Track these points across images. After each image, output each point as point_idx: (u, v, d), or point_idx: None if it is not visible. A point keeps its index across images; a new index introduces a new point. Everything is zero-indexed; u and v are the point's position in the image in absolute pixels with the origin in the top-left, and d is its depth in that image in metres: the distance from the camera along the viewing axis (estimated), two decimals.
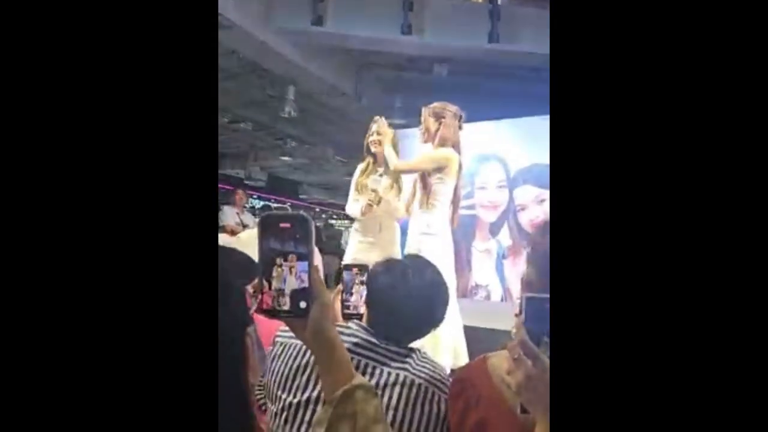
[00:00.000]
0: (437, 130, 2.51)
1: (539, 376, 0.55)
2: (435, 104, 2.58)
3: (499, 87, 4.85)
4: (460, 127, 2.57)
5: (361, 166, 2.91)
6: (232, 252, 0.86)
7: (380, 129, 2.74)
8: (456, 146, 2.53)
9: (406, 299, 1.00)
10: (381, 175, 2.75)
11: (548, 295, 0.58)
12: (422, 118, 2.60)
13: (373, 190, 2.72)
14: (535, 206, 4.51)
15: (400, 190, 2.75)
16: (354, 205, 2.85)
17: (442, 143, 2.50)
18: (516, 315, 0.62)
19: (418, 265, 1.06)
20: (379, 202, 2.70)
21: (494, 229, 4.76)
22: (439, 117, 2.53)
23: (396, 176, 2.74)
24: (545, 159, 4.45)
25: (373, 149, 2.76)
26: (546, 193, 4.47)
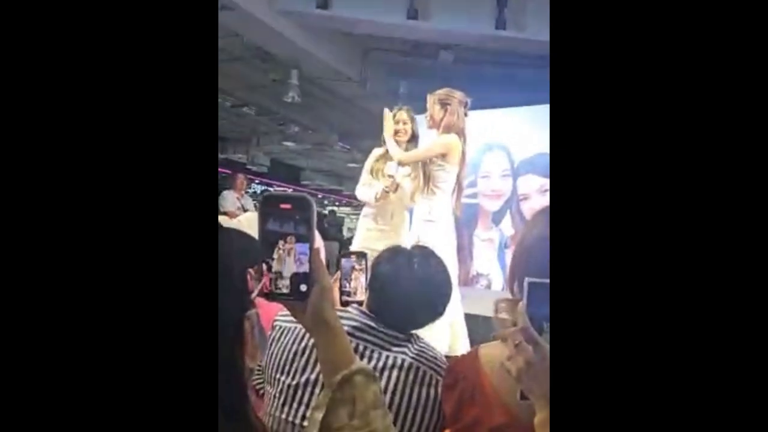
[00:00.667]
0: (442, 117, 2.50)
1: (540, 363, 0.55)
2: (440, 91, 2.56)
3: (505, 74, 4.81)
4: (465, 114, 2.55)
5: (377, 152, 2.87)
6: (235, 233, 0.85)
7: (399, 117, 2.72)
8: (460, 133, 2.52)
9: (409, 289, 1.00)
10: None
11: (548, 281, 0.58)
12: (428, 105, 2.58)
13: (390, 176, 2.69)
14: (538, 196, 4.49)
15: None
16: (366, 190, 2.81)
17: (447, 130, 2.49)
18: (514, 300, 0.61)
19: (423, 256, 1.06)
20: (396, 189, 2.68)
21: (497, 218, 4.75)
22: (444, 104, 2.51)
23: (416, 165, 2.72)
24: (549, 149, 4.40)
25: (397, 139, 2.70)
26: (548, 182, 4.45)
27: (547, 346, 0.55)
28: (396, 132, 2.69)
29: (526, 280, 0.58)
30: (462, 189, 2.62)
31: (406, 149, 2.70)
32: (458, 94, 2.52)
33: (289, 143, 8.68)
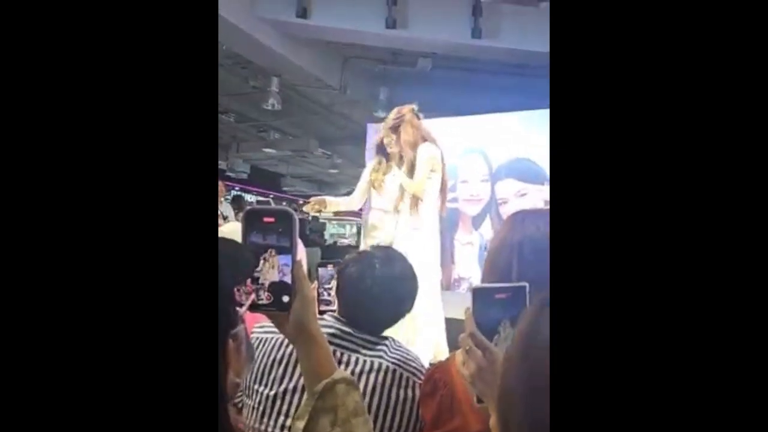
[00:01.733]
0: (398, 139, 2.53)
1: (489, 367, 0.56)
2: (388, 117, 2.60)
3: (482, 82, 4.90)
4: (418, 118, 2.57)
5: (372, 164, 2.77)
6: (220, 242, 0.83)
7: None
8: (428, 138, 2.56)
9: (371, 290, 1.00)
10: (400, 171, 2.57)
11: (497, 285, 0.60)
12: (383, 135, 2.60)
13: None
14: (516, 200, 4.58)
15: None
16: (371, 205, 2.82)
17: (411, 146, 2.52)
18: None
19: (386, 256, 1.07)
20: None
21: (476, 222, 4.82)
22: (395, 128, 2.54)
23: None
24: (526, 154, 4.52)
25: (388, 150, 2.62)
26: (527, 187, 4.55)
27: (497, 350, 0.57)
28: (389, 144, 2.61)
29: (472, 286, 0.61)
30: (446, 190, 2.67)
31: (399, 161, 2.61)
32: (404, 109, 2.56)
33: (269, 150, 8.64)
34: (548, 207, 0.62)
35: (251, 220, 0.61)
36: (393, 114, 2.60)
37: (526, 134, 4.50)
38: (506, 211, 4.63)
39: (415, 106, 2.59)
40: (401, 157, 2.60)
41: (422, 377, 0.97)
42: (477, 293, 0.60)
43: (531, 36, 3.84)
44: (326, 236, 9.54)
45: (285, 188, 11.92)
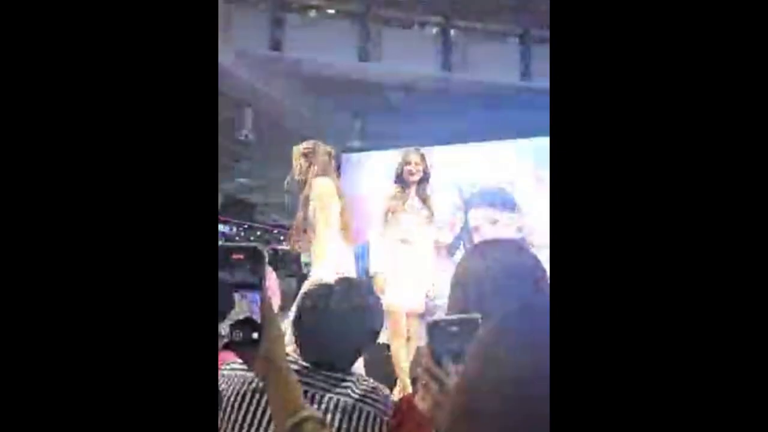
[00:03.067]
0: (309, 166, 2.54)
1: (446, 399, 0.56)
2: (305, 144, 2.61)
3: (455, 112, 5.02)
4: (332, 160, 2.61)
5: (388, 192, 2.76)
6: None
7: (410, 158, 2.63)
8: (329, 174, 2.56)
9: (329, 325, 0.98)
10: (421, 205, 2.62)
11: (450, 317, 0.60)
12: (293, 158, 2.62)
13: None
14: (489, 227, 4.66)
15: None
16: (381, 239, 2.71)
17: (317, 175, 2.54)
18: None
19: (345, 288, 1.05)
20: None
21: (452, 251, 4.87)
22: (308, 157, 2.55)
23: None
24: (498, 182, 4.63)
25: (409, 179, 2.64)
26: (497, 214, 4.64)
27: (450, 382, 0.56)
28: (410, 173, 2.65)
29: (427, 320, 0.61)
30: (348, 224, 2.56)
31: (418, 190, 2.66)
32: (322, 146, 2.57)
33: (243, 180, 8.59)
34: (516, 236, 0.61)
35: (220, 257, 0.61)
36: (309, 143, 2.60)
37: (500, 164, 4.60)
38: (479, 238, 4.68)
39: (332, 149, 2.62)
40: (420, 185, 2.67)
41: (385, 407, 0.96)
42: (431, 327, 0.60)
43: (500, 68, 3.98)
44: (303, 266, 9.37)
45: (260, 217, 11.81)
